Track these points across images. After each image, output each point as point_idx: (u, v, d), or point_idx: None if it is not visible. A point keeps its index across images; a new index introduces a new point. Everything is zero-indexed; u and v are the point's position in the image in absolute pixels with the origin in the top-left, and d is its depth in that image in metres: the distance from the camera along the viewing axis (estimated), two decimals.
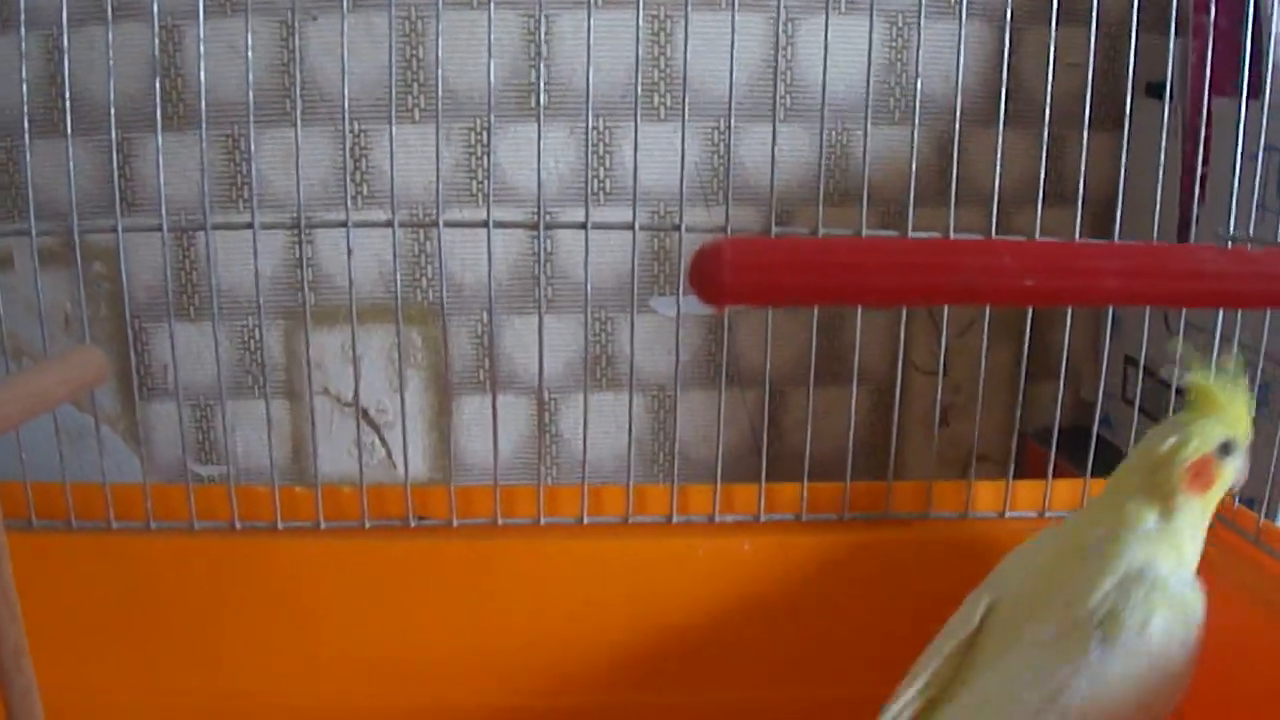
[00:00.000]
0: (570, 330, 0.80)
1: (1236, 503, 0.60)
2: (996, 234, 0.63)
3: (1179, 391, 0.51)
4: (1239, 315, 0.62)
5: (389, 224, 0.55)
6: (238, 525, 0.60)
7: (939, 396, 0.70)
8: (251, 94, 0.56)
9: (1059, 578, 0.49)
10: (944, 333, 0.62)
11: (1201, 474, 0.49)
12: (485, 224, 0.56)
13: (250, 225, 0.59)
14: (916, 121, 0.60)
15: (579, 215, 0.58)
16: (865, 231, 0.58)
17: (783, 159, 0.78)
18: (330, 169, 0.77)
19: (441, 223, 0.55)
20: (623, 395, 0.72)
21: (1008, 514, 0.62)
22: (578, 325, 0.79)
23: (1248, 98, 0.59)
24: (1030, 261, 0.33)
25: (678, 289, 0.75)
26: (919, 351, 0.85)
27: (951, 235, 0.59)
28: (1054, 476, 0.63)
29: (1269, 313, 0.59)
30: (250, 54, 0.58)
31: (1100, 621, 0.46)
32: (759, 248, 0.34)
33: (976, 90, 0.81)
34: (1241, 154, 0.60)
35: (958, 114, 0.61)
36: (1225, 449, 0.49)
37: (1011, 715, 0.46)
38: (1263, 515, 0.58)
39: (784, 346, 0.82)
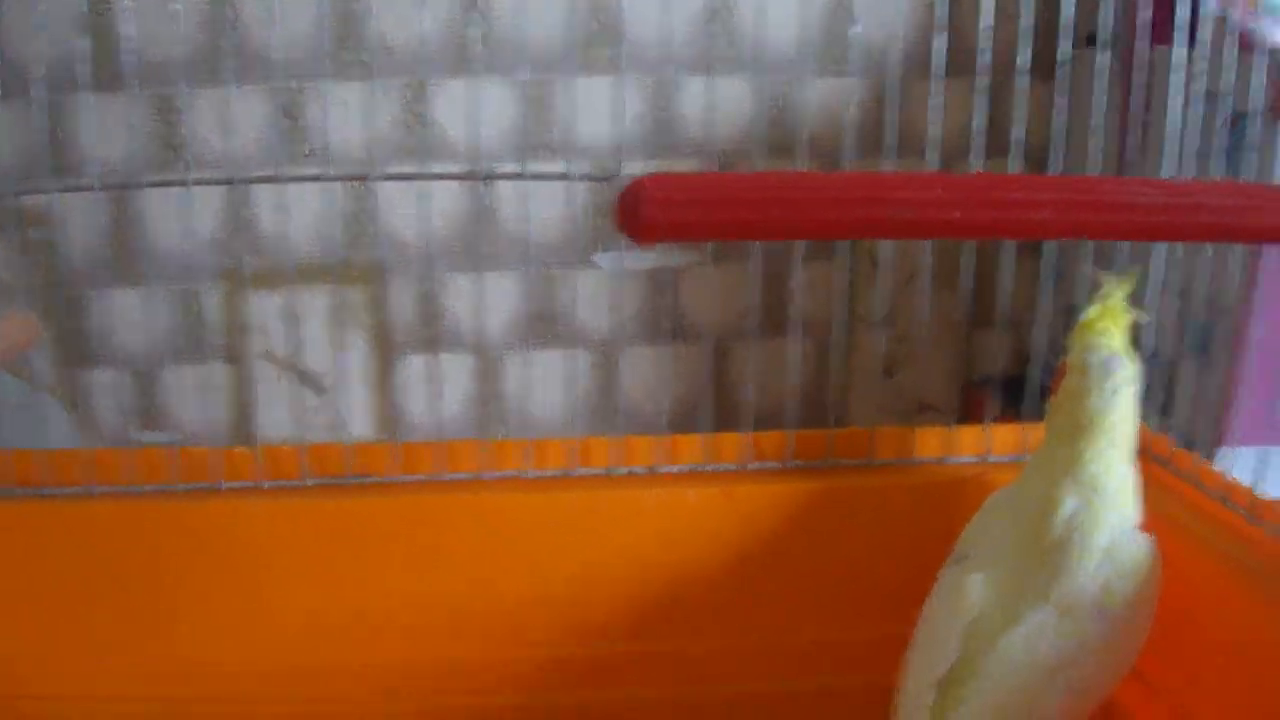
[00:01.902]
0: (512, 286, 0.80)
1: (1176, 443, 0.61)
2: None
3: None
4: (1176, 260, 0.63)
5: (320, 178, 0.54)
6: (179, 487, 0.59)
7: (879, 346, 0.70)
8: (184, 52, 0.55)
9: (1041, 555, 0.49)
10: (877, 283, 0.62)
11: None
12: (423, 177, 0.55)
13: (184, 183, 0.58)
14: (852, 71, 0.60)
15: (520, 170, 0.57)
16: None
17: (724, 111, 0.77)
18: (267, 128, 0.76)
19: (376, 176, 0.55)
20: (569, 352, 0.72)
21: (950, 459, 0.62)
22: (522, 282, 0.79)
23: (1173, 43, 0.60)
24: (959, 193, 0.33)
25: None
26: (863, 303, 0.85)
27: None
28: (998, 422, 0.63)
29: (1203, 257, 0.60)
30: (182, 10, 0.57)
31: (1097, 597, 0.48)
32: (682, 183, 0.34)
33: (917, 41, 0.81)
34: (1185, 101, 0.60)
35: (894, 65, 0.61)
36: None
37: (1020, 694, 0.47)
38: (1202, 456, 0.59)
39: (729, 300, 0.82)
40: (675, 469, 0.61)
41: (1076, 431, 0.50)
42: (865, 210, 0.32)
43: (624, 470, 0.61)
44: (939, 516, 0.57)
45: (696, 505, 0.59)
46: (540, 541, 0.59)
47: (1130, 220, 0.34)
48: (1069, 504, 0.49)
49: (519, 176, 0.55)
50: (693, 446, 0.61)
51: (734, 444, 0.61)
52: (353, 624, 0.59)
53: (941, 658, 0.49)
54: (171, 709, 0.58)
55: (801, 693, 0.61)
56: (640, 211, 0.32)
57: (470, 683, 0.60)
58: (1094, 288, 0.51)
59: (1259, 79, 0.62)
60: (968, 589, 0.50)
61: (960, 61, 0.82)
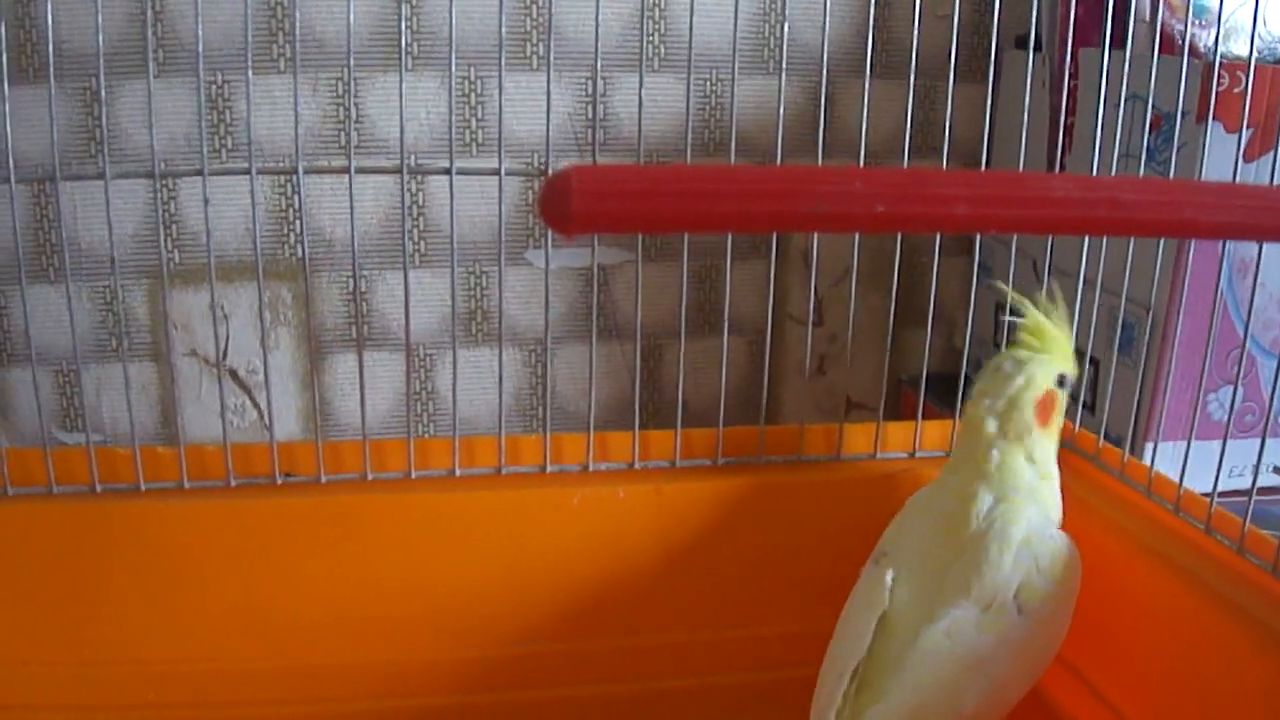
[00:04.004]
0: (444, 284, 0.79)
1: (1102, 440, 0.61)
2: None
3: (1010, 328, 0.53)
4: (1101, 259, 0.64)
5: (246, 171, 0.53)
6: (98, 488, 0.58)
7: (809, 345, 0.70)
8: (109, 43, 0.54)
9: (959, 549, 0.50)
10: (813, 282, 0.62)
11: (1046, 408, 0.51)
12: (348, 170, 0.54)
13: (102, 176, 0.56)
14: (784, 69, 0.60)
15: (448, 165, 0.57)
16: None
17: (655, 109, 0.77)
18: (194, 121, 0.75)
19: (301, 169, 0.54)
20: (500, 350, 0.71)
21: (879, 455, 0.62)
22: (452, 279, 0.78)
23: (1113, 48, 0.60)
24: (881, 187, 0.33)
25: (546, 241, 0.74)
26: (794, 302, 0.85)
27: None
28: (926, 419, 0.63)
29: (1131, 256, 0.60)
30: (105, 1, 0.55)
31: (1016, 592, 0.48)
32: (607, 175, 0.33)
33: (849, 41, 0.82)
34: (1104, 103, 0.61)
35: (824, 64, 0.61)
36: (1061, 382, 0.52)
37: (940, 689, 0.47)
38: (1128, 452, 0.59)
39: (660, 298, 0.82)
40: (606, 466, 0.61)
41: (994, 429, 0.51)
42: (787, 204, 0.32)
43: (555, 468, 0.60)
44: (868, 512, 0.57)
45: (627, 502, 0.59)
46: (469, 541, 0.58)
47: (1047, 215, 0.34)
48: (986, 500, 0.50)
49: (445, 172, 0.54)
50: (623, 444, 0.61)
51: (664, 441, 0.61)
52: (277, 625, 0.58)
53: (854, 651, 0.49)
54: (86, 716, 0.56)
55: (731, 687, 0.61)
56: (566, 204, 0.32)
57: (401, 684, 0.59)
58: (1038, 297, 0.52)
59: (1184, 81, 0.63)
60: (882, 584, 0.50)
61: (893, 62, 0.82)
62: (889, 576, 0.50)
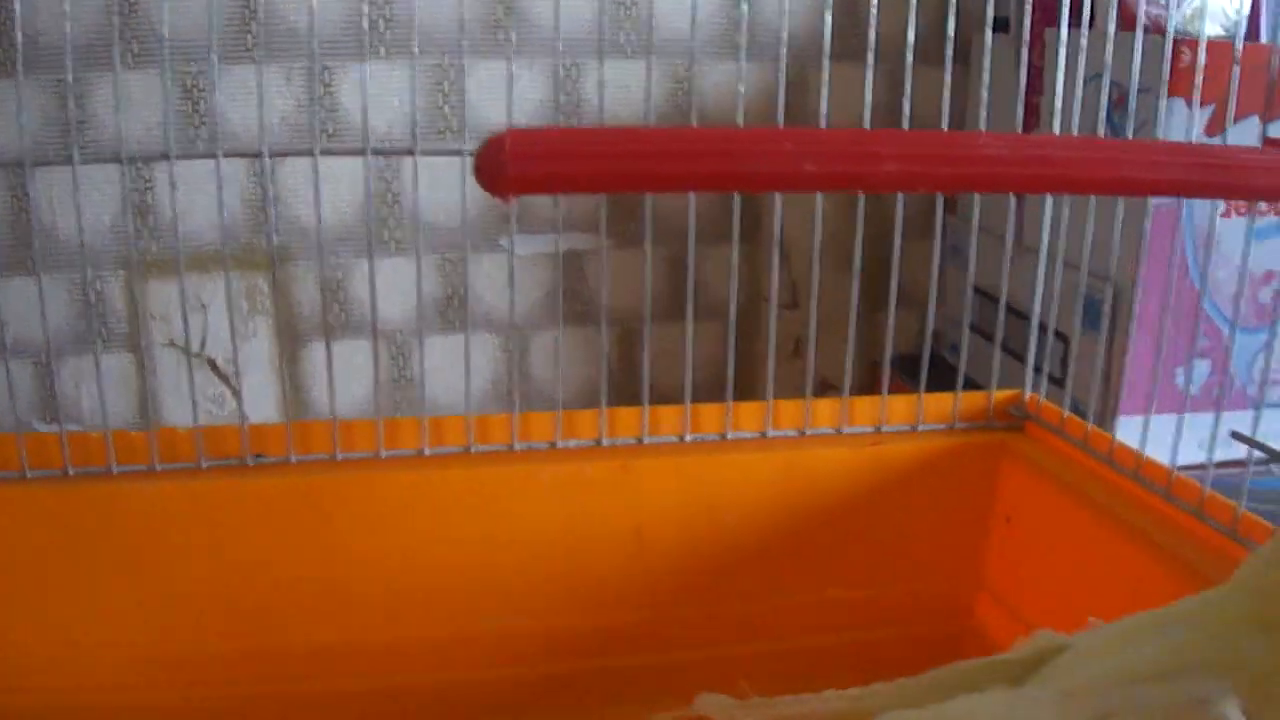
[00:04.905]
0: (423, 272, 0.79)
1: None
2: None
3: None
4: (1063, 233, 0.64)
5: (213, 154, 0.54)
6: (70, 471, 0.58)
7: (771, 328, 0.71)
8: (86, 34, 0.55)
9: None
10: (775, 264, 0.63)
11: None
12: (313, 152, 0.55)
13: (70, 161, 0.57)
14: (745, 53, 0.60)
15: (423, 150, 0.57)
16: None
17: (626, 94, 0.78)
18: (170, 111, 0.75)
19: (266, 149, 0.54)
20: (475, 336, 0.72)
21: (845, 429, 0.63)
22: (428, 266, 0.79)
23: (1075, 27, 0.61)
24: (810, 147, 0.33)
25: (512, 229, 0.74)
26: (767, 285, 0.86)
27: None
28: (893, 394, 0.64)
29: (1092, 231, 0.61)
30: None
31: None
32: (541, 137, 0.34)
33: (819, 26, 0.82)
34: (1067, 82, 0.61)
35: (784, 48, 0.61)
36: None
37: None
38: (1096, 424, 0.60)
39: (637, 283, 0.82)
40: (575, 443, 0.61)
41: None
42: (719, 164, 0.33)
43: (523, 446, 0.61)
44: (833, 487, 0.58)
45: (593, 479, 0.60)
46: (437, 519, 0.59)
47: (976, 173, 0.34)
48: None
49: (409, 152, 0.55)
50: (591, 422, 0.61)
51: (632, 419, 0.62)
52: (248, 605, 0.58)
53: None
54: (60, 699, 0.57)
55: (694, 663, 0.61)
56: (501, 166, 0.33)
57: (370, 664, 0.59)
58: None
59: (1145, 59, 0.63)
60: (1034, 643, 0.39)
61: (858, 45, 0.83)
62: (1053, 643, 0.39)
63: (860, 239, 0.62)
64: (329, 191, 0.76)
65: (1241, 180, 0.36)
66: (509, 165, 0.32)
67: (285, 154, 0.61)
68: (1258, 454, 0.53)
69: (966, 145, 0.35)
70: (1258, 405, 0.56)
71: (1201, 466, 0.54)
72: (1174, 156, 0.36)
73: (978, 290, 0.78)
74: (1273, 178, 0.36)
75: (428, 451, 0.60)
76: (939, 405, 0.64)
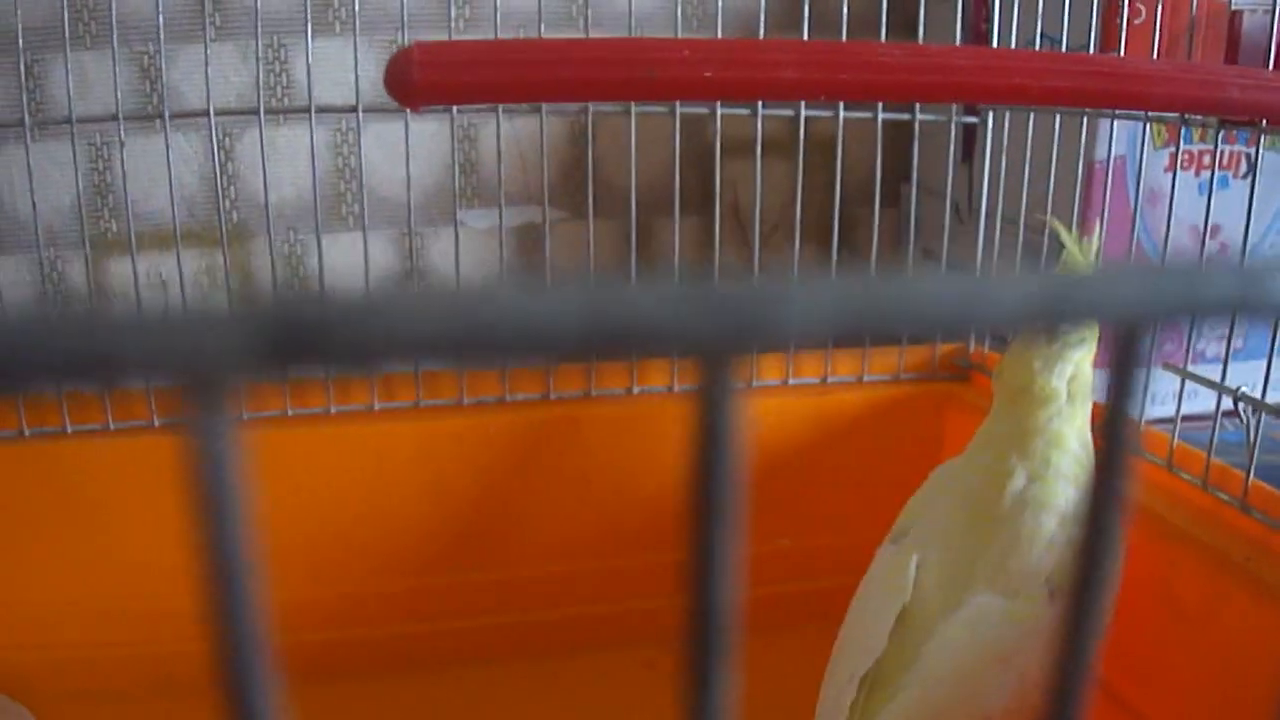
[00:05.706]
0: (378, 246, 0.80)
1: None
2: None
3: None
4: (1024, 198, 0.65)
5: (160, 115, 0.55)
6: (26, 432, 0.59)
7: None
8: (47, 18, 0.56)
9: (989, 533, 0.44)
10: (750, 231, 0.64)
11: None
12: (257, 112, 0.56)
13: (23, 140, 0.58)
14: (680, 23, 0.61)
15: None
16: None
17: None
18: (128, 91, 0.76)
19: (213, 110, 0.55)
20: None
21: (791, 381, 0.64)
22: (385, 240, 0.80)
23: None
24: (708, 54, 0.34)
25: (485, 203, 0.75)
26: (730, 253, 0.87)
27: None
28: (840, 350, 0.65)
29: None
30: None
31: (1048, 576, 0.43)
32: (447, 48, 0.35)
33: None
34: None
35: (754, 21, 0.62)
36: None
37: (961, 685, 0.42)
38: None
39: (601, 254, 0.83)
40: (522, 396, 0.62)
41: (1024, 401, 0.45)
42: (619, 71, 0.34)
43: (471, 400, 0.61)
44: (782, 437, 0.58)
45: (539, 429, 0.60)
46: (387, 471, 0.60)
47: (874, 80, 0.35)
48: (1018, 478, 0.44)
49: (352, 109, 0.56)
50: (538, 378, 0.62)
51: (579, 376, 0.62)
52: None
53: (871, 647, 0.43)
54: (19, 656, 0.57)
55: (647, 612, 0.61)
56: (409, 76, 0.33)
57: (322, 617, 0.60)
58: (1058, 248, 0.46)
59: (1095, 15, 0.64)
60: (904, 570, 0.44)
61: (831, 20, 0.84)
62: (914, 562, 0.44)
63: (801, 202, 0.63)
64: (287, 168, 0.77)
65: (1136, 89, 0.37)
66: (416, 74, 0.33)
67: (231, 113, 0.61)
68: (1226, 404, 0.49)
69: (865, 53, 0.36)
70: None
71: (1161, 420, 0.54)
72: (1069, 65, 0.37)
73: (928, 253, 0.79)
74: (1168, 86, 0.37)
75: (377, 406, 0.60)
76: (885, 358, 0.64)
